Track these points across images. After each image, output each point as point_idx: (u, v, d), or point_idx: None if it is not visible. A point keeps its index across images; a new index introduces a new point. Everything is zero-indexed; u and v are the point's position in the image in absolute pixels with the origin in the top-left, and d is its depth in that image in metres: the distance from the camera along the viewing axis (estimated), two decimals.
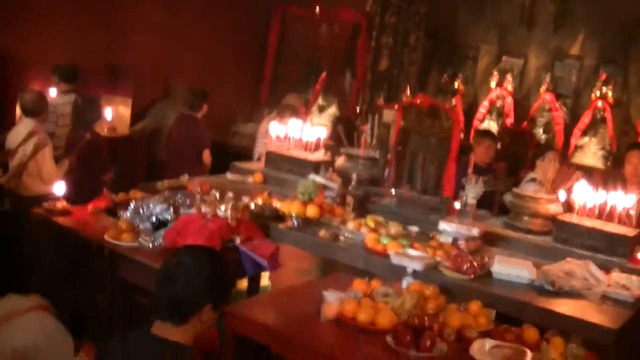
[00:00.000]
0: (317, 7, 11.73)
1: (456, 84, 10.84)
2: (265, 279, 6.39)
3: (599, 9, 10.10)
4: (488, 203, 6.76)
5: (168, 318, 3.45)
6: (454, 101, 10.78)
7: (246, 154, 10.29)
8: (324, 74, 12.03)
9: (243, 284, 6.13)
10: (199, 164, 9.45)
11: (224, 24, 11.66)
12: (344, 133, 7.73)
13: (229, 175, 7.40)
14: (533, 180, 6.54)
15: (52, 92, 8.82)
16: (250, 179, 7.29)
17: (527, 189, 6.43)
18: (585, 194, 5.90)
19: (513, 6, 10.76)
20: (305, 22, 12.21)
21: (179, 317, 3.46)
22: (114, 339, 3.74)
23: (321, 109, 12.13)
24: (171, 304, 3.45)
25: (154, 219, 5.63)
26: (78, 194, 6.61)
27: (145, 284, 5.06)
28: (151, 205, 5.72)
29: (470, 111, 10.81)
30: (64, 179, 7.27)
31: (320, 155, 7.40)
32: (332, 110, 12.03)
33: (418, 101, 6.42)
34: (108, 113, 9.80)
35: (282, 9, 12.23)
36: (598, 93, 9.69)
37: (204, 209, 5.57)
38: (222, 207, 5.51)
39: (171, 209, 5.71)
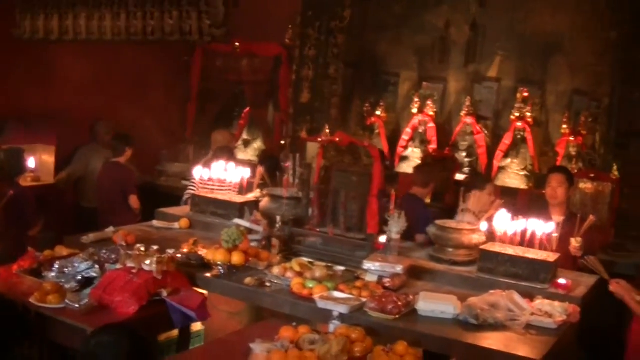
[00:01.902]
0: (237, 42, 11.73)
1: (379, 112, 10.90)
2: (198, 324, 6.40)
3: (513, 31, 10.26)
4: None
5: None
6: (377, 129, 10.85)
7: (174, 195, 10.28)
8: (247, 109, 12.09)
9: (174, 332, 6.13)
10: (128, 209, 9.41)
11: (146, 64, 11.65)
12: (267, 173, 7.77)
13: (156, 223, 7.37)
14: (466, 210, 6.60)
15: None
16: (176, 225, 7.27)
17: (463, 219, 6.49)
18: (506, 222, 6.00)
19: (430, 32, 10.87)
20: (226, 58, 12.22)
21: None
22: None
23: (246, 144, 12.17)
24: None
25: (79, 277, 5.59)
26: (4, 251, 6.54)
27: (73, 344, 5.02)
28: (76, 264, 5.69)
29: (393, 138, 10.89)
30: None
31: (251, 196, 7.44)
32: (258, 144, 12.06)
33: (337, 139, 6.46)
34: (31, 162, 9.73)
35: (202, 46, 12.23)
36: (517, 114, 9.82)
37: (129, 263, 5.55)
38: (148, 261, 5.50)
39: (96, 266, 5.68)
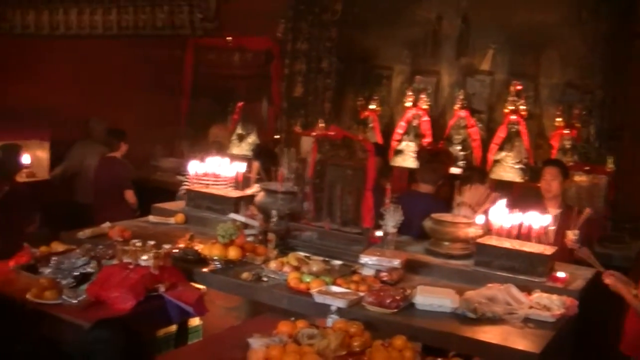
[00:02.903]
0: (229, 37, 11.72)
1: (372, 106, 10.89)
2: (195, 320, 6.39)
3: (505, 24, 10.24)
4: None
5: None
6: (371, 123, 10.84)
7: (169, 190, 10.27)
8: (240, 103, 12.05)
9: (172, 327, 6.13)
10: (125, 204, 9.39)
11: (140, 60, 11.62)
12: (263, 168, 7.76)
13: (151, 218, 7.36)
14: (462, 204, 6.60)
15: None
16: (172, 220, 7.26)
17: (459, 213, 6.49)
18: (502, 216, 5.99)
19: (422, 25, 10.85)
20: (218, 53, 12.20)
21: None
22: None
23: (241, 138, 12.12)
24: None
25: (76, 273, 5.58)
26: (1, 247, 6.52)
27: (70, 340, 5.00)
28: (72, 260, 5.68)
29: (387, 132, 10.86)
30: None
31: (250, 191, 7.43)
32: (252, 138, 12.02)
33: (331, 133, 6.45)
34: (26, 158, 9.69)
35: (194, 41, 12.21)
36: (511, 107, 9.81)
37: (125, 259, 5.54)
38: (144, 256, 5.48)
39: (93, 262, 5.67)
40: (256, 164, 8.22)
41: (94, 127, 10.53)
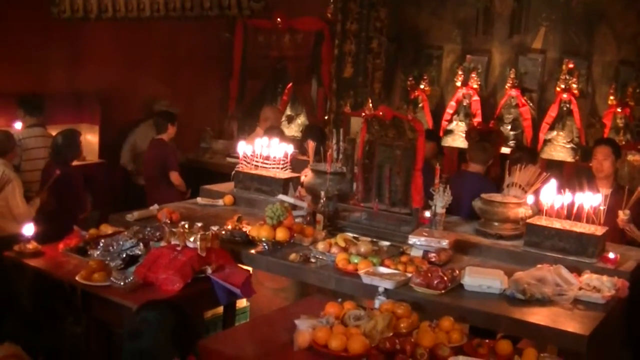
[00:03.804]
0: (278, 18, 11.70)
1: (422, 85, 10.84)
2: (243, 301, 6.41)
3: (557, 1, 10.12)
4: None
5: None
6: (421, 103, 10.79)
7: (219, 172, 10.31)
8: (290, 84, 12.06)
9: (219, 309, 6.15)
10: (171, 186, 9.44)
11: (187, 42, 11.65)
12: (313, 149, 7.75)
13: (200, 200, 7.37)
14: (513, 184, 6.51)
15: (17, 125, 8.76)
16: (220, 202, 7.27)
17: (510, 194, 6.41)
18: (553, 196, 5.91)
19: (473, 4, 10.75)
20: (267, 34, 12.19)
21: None
22: None
23: (290, 119, 12.15)
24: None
25: (124, 255, 5.61)
26: (54, 231, 6.57)
27: (119, 322, 5.05)
28: (121, 242, 5.71)
29: (437, 112, 10.82)
30: (39, 216, 7.26)
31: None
32: (301, 119, 12.04)
33: (380, 113, 6.41)
34: None
35: (243, 22, 12.20)
36: (563, 85, 9.71)
37: (173, 241, 5.55)
38: (192, 238, 5.49)
39: (141, 244, 5.70)
40: (312, 144, 8.17)
41: (159, 109, 10.56)
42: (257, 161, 7.46)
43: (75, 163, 8.83)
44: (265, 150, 7.40)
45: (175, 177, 9.45)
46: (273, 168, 7.41)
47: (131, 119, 10.67)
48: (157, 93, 10.88)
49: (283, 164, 7.50)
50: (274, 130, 8.85)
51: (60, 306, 5.10)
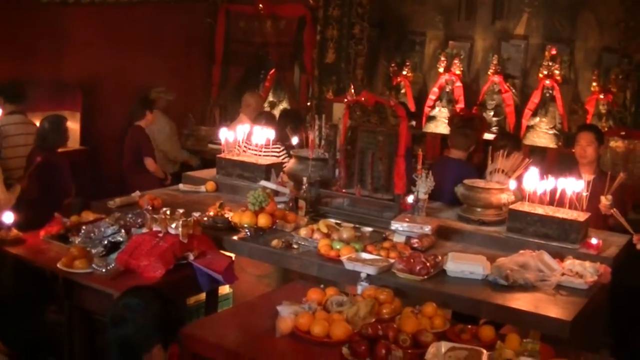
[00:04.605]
0: (260, 4, 11.65)
1: (405, 72, 10.82)
2: (226, 288, 6.39)
3: None
4: None
5: None
6: (403, 89, 10.78)
7: (201, 158, 10.32)
8: (272, 70, 12.02)
9: (202, 295, 6.13)
10: (150, 173, 9.40)
11: (169, 28, 11.57)
12: (291, 132, 7.72)
13: (182, 186, 7.35)
14: (496, 171, 6.50)
15: None
16: (202, 188, 7.24)
17: (493, 179, 6.41)
18: (535, 181, 5.90)
19: None
20: (249, 20, 12.13)
21: (130, 359, 3.44)
22: None
23: (272, 106, 12.11)
24: (121, 347, 3.44)
25: (105, 242, 5.58)
26: (37, 217, 6.53)
27: (101, 309, 5.01)
28: (102, 229, 5.68)
29: (420, 98, 10.81)
30: (21, 203, 7.22)
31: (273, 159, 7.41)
32: (284, 106, 12.00)
33: (363, 99, 6.38)
34: None
35: (225, 8, 12.14)
36: (545, 72, 9.71)
37: (155, 227, 5.53)
38: (173, 225, 5.46)
39: (122, 231, 5.67)
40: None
41: (156, 95, 10.52)
42: (250, 149, 7.45)
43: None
44: (259, 138, 7.35)
45: (150, 163, 9.40)
46: (268, 156, 7.42)
47: (112, 105, 10.58)
48: (139, 80, 10.79)
49: (280, 152, 7.50)
50: (265, 115, 8.84)
51: (40, 294, 5.06)
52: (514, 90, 10.21)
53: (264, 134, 7.35)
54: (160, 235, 5.46)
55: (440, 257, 5.32)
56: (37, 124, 8.58)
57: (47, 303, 5.19)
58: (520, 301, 4.82)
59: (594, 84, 9.43)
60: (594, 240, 5.61)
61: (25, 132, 8.48)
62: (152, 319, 3.46)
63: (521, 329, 4.73)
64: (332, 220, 6.12)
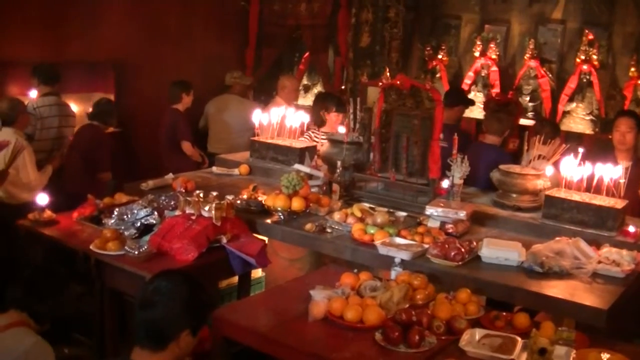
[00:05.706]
0: None
1: (440, 55, 10.74)
2: (258, 271, 6.39)
3: None
4: None
5: (146, 344, 3.43)
6: (438, 73, 10.70)
7: None
8: (306, 54, 11.96)
9: (234, 279, 6.13)
10: (186, 155, 9.42)
11: (203, 11, 11.54)
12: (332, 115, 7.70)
13: (215, 169, 7.35)
14: (540, 157, 6.42)
15: (32, 94, 8.70)
16: (236, 171, 7.24)
17: (534, 166, 6.33)
18: (572, 168, 5.83)
19: None
20: (283, 2, 12.05)
21: (157, 343, 3.43)
22: None
23: (307, 89, 12.06)
24: (149, 330, 3.43)
25: (138, 224, 5.59)
26: (78, 188, 6.61)
27: (133, 291, 5.01)
28: (135, 211, 5.69)
29: (455, 82, 10.71)
30: (66, 175, 7.34)
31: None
32: (318, 89, 11.94)
33: (398, 82, 6.34)
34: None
35: None
36: (583, 56, 9.60)
37: (188, 210, 5.53)
38: (207, 207, 5.46)
39: (155, 213, 5.67)
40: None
41: (232, 80, 10.55)
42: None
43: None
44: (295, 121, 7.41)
45: (187, 146, 9.44)
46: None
47: (146, 87, 10.57)
48: (172, 62, 10.79)
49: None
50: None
51: (69, 274, 5.08)
52: (550, 75, 10.08)
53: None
54: (193, 217, 5.46)
55: (475, 243, 5.27)
56: (71, 105, 8.65)
57: (79, 284, 5.23)
58: (556, 289, 4.76)
59: (632, 69, 9.29)
60: (631, 228, 5.54)
61: (59, 113, 8.52)
62: (180, 304, 3.45)
63: (556, 317, 4.68)
64: (366, 205, 6.09)
